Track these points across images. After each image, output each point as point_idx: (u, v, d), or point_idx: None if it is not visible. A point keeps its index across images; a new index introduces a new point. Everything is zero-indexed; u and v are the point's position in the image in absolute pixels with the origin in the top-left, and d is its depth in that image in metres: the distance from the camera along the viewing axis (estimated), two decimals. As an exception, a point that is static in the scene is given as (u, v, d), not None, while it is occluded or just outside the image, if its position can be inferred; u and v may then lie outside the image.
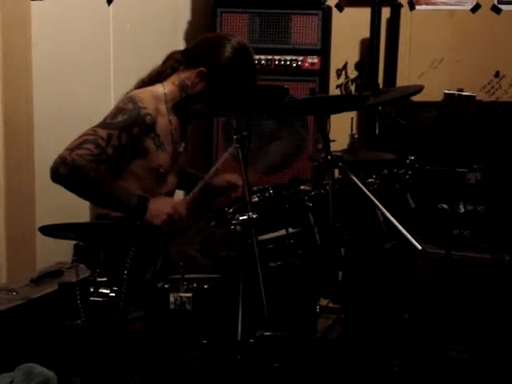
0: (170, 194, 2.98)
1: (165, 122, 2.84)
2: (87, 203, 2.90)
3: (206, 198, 3.14)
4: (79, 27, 3.47)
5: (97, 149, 2.64)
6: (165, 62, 2.96)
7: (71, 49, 3.41)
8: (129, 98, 2.77)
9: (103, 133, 2.67)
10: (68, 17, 3.40)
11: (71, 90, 3.39)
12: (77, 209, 2.87)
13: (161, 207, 2.71)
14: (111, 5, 3.66)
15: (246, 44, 2.93)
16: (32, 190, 3.27)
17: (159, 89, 2.88)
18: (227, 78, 2.82)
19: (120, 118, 2.71)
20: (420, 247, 2.45)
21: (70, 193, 3.17)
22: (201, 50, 2.89)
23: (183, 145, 2.97)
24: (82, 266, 2.71)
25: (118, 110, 2.74)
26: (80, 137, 2.66)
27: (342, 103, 2.79)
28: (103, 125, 2.70)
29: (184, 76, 2.89)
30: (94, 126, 2.70)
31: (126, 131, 2.70)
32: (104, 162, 2.67)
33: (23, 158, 3.23)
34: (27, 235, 3.21)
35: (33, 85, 3.24)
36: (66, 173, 2.59)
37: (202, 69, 2.84)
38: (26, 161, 3.24)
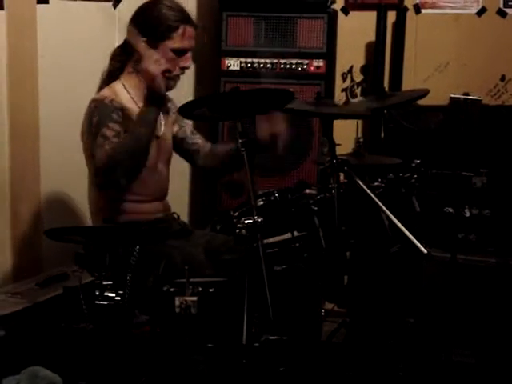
0: (163, 183, 2.98)
1: (135, 109, 2.84)
2: (93, 207, 2.90)
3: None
4: (85, 29, 3.49)
5: (109, 144, 2.66)
6: (110, 61, 2.97)
7: (77, 50, 3.43)
8: (90, 102, 2.80)
9: (99, 139, 2.69)
10: (74, 18, 3.42)
11: (77, 92, 3.40)
12: (83, 212, 2.87)
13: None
14: (117, 7, 3.67)
15: None
16: (38, 191, 3.28)
17: (117, 83, 2.90)
18: (166, 32, 2.81)
19: (96, 119, 2.73)
20: (425, 251, 2.44)
21: (76, 195, 3.20)
22: (136, 28, 2.86)
23: (163, 129, 2.96)
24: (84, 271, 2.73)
25: (90, 116, 2.77)
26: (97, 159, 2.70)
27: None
28: (93, 136, 2.72)
29: (134, 60, 2.88)
30: (92, 145, 2.73)
31: (110, 120, 2.72)
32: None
33: (29, 159, 3.24)
34: (33, 238, 3.21)
35: (39, 86, 3.25)
36: (107, 179, 2.65)
37: (143, 39, 2.82)
38: (31, 162, 3.25)
